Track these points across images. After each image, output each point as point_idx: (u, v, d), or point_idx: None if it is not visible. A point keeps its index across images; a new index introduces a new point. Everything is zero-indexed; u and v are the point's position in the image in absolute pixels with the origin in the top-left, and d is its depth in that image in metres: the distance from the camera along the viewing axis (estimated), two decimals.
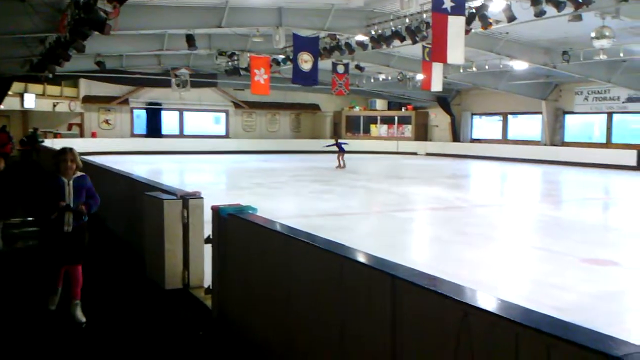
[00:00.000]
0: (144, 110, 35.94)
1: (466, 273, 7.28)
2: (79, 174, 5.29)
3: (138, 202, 7.42)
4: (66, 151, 5.27)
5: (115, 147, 32.39)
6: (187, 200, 6.31)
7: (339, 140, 26.73)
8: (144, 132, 35.89)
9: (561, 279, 7.37)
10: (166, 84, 30.83)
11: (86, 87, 33.45)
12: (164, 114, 36.43)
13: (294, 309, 3.96)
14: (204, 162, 28.20)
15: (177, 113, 37.10)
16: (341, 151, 25.54)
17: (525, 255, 9.32)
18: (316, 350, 3.68)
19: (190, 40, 19.14)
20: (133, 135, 35.74)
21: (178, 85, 30.42)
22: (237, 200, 5.50)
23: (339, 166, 24.95)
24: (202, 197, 6.43)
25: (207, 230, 5.70)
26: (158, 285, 6.34)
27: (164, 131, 36.31)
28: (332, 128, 40.56)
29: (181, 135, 37.11)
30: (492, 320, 2.28)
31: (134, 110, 35.95)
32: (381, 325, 2.95)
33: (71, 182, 5.20)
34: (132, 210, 8.13)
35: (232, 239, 4.99)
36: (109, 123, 35.08)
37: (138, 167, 21.55)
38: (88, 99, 33.89)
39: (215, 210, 5.13)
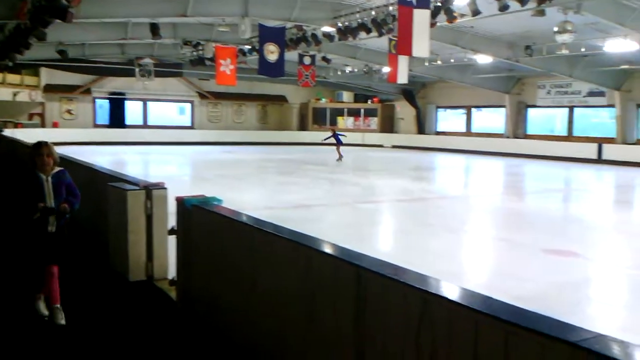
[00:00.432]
0: (107, 100, 35.29)
1: (430, 263, 7.37)
2: (57, 169, 5.00)
3: (101, 193, 7.32)
4: (41, 145, 4.98)
5: (77, 137, 31.67)
6: (151, 191, 6.25)
7: (337, 132, 25.81)
8: (106, 122, 35.23)
9: (522, 269, 7.52)
10: (130, 74, 30.30)
11: (47, 76, 32.65)
12: (127, 104, 35.78)
13: (259, 300, 3.97)
14: (169, 153, 27.92)
15: (140, 103, 36.53)
16: (338, 143, 24.79)
17: (487, 245, 9.49)
18: (283, 339, 3.70)
19: (154, 29, 18.88)
20: (96, 125, 35.06)
21: (142, 74, 29.94)
22: (202, 192, 5.47)
23: (339, 158, 24.16)
24: (166, 188, 6.37)
25: (171, 222, 5.65)
26: (122, 277, 6.28)
27: (127, 121, 35.65)
28: (299, 120, 40.49)
29: (145, 125, 36.53)
30: (452, 308, 2.32)
31: (97, 100, 35.27)
32: (346, 314, 2.98)
33: (50, 178, 4.91)
34: (96, 202, 8.01)
35: (197, 230, 4.96)
36: (71, 113, 34.36)
37: (101, 158, 21.21)
38: (49, 88, 33.14)
39: (180, 202, 5.09)
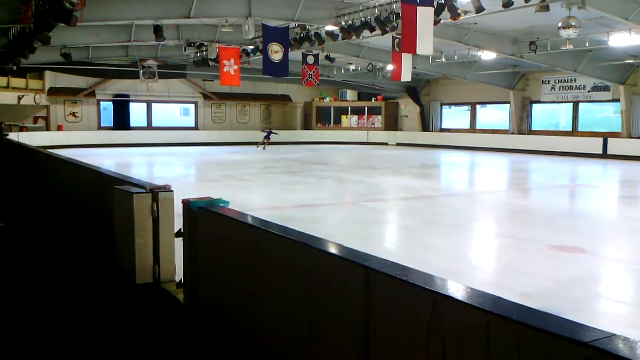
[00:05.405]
0: (111, 103, 35.37)
1: (437, 262, 7.36)
2: None
3: (107, 196, 7.32)
4: None
5: (82, 140, 31.86)
6: (157, 193, 6.23)
7: (271, 130, 33.08)
8: (111, 124, 35.31)
9: (529, 266, 7.49)
10: (134, 76, 30.39)
11: (52, 79, 32.75)
12: (131, 106, 35.87)
13: (266, 301, 3.96)
14: (174, 155, 27.94)
15: (145, 105, 36.59)
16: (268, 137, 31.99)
17: (494, 243, 9.46)
18: (287, 341, 3.69)
19: (158, 31, 18.92)
20: (100, 128, 35.16)
21: (146, 76, 30.01)
22: (208, 193, 5.46)
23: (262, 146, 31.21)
24: (172, 191, 6.36)
25: (178, 224, 5.65)
26: (129, 280, 6.28)
27: (132, 123, 35.74)
28: (303, 119, 40.51)
29: (150, 127, 36.60)
30: (462, 309, 2.31)
31: (101, 103, 35.36)
32: (354, 316, 2.96)
33: None
34: (101, 205, 8.02)
35: (204, 233, 4.95)
36: (75, 116, 34.43)
37: (106, 161, 21.28)
38: (54, 92, 33.21)
39: (186, 204, 5.08)
